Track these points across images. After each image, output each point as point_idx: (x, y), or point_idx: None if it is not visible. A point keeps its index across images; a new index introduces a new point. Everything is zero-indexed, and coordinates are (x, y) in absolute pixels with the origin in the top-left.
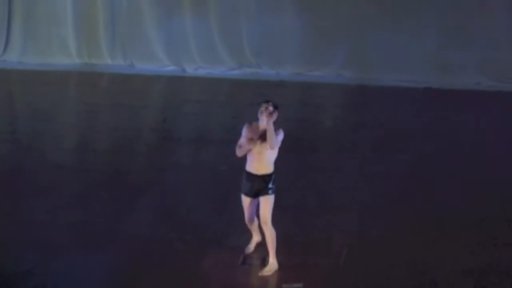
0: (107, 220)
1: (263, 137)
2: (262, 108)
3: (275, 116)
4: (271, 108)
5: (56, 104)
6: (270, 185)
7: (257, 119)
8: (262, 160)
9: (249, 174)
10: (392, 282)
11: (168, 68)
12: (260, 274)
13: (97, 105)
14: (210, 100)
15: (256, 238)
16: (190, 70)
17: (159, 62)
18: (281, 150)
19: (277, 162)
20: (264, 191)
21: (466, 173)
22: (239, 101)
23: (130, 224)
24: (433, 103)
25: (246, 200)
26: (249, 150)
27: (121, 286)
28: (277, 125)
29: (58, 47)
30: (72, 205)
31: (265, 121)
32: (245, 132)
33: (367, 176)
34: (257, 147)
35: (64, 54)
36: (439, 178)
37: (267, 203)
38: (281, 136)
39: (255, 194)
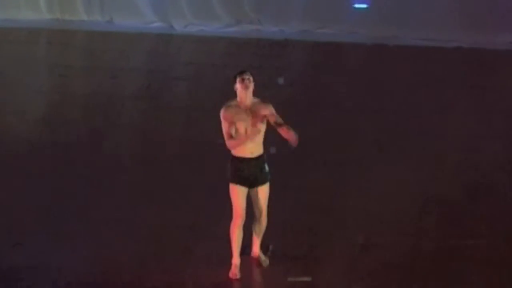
0: (83, 202)
1: (252, 115)
2: (241, 80)
3: (251, 82)
4: (249, 79)
5: (23, 67)
6: (266, 169)
7: (232, 96)
8: (255, 140)
9: (242, 160)
10: (409, 275)
11: (154, 24)
12: (263, 265)
13: (70, 68)
14: (202, 62)
15: (237, 261)
16: (179, 27)
17: (142, 18)
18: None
19: (277, 137)
20: (261, 179)
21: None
22: (236, 63)
23: (110, 207)
24: (464, 65)
25: (239, 191)
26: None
27: (98, 280)
28: (264, 95)
29: (25, 0)
30: (42, 185)
31: (246, 97)
32: (224, 118)
33: (384, 152)
34: (247, 126)
35: (32, 9)
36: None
37: (266, 192)
38: (272, 109)
39: (251, 183)
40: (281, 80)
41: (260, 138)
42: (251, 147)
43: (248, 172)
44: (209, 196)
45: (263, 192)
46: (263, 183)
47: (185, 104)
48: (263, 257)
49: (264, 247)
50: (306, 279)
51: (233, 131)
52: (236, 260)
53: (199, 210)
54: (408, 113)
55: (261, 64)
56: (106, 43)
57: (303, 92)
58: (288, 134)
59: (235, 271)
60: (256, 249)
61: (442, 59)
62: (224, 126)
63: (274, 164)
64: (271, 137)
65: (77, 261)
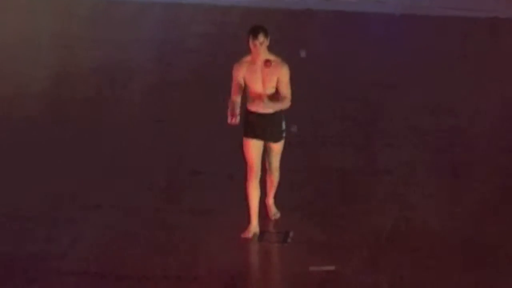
0: (88, 185)
1: (265, 73)
2: (253, 44)
3: (266, 43)
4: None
5: (24, 38)
6: (281, 127)
7: (245, 52)
8: (265, 95)
9: (254, 114)
10: (442, 264)
11: None
12: (272, 218)
13: (74, 39)
14: (216, 33)
15: (253, 224)
16: None
17: None
18: (302, 93)
19: (299, 115)
20: (274, 136)
21: None
22: None
23: (118, 191)
24: (501, 37)
25: (252, 144)
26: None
27: (104, 269)
28: (278, 57)
29: None
30: (45, 165)
31: (258, 58)
32: (234, 75)
33: (414, 129)
34: (259, 86)
35: None
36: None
37: (278, 149)
38: (285, 76)
39: (264, 138)
40: (303, 53)
41: (272, 94)
42: (261, 103)
43: (260, 127)
44: (225, 179)
45: (276, 149)
46: (275, 141)
47: (198, 78)
48: (274, 210)
49: (283, 233)
50: (330, 268)
51: (239, 92)
52: (253, 221)
53: (214, 195)
54: (439, 87)
55: (281, 36)
56: (113, 12)
57: (326, 66)
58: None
59: (249, 229)
60: (268, 200)
61: (476, 30)
62: (232, 84)
63: (295, 144)
64: (293, 114)
65: (82, 249)
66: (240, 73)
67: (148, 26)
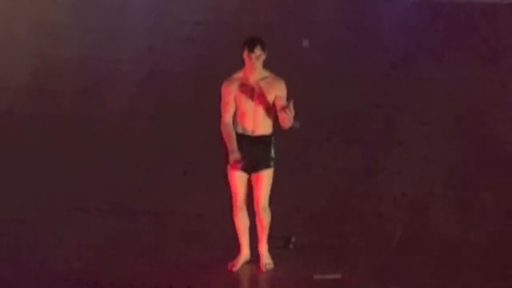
0: (73, 186)
1: (259, 92)
2: (248, 57)
3: (262, 58)
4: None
5: (2, 26)
6: (272, 154)
7: (237, 67)
8: (257, 115)
9: (241, 137)
10: (454, 270)
11: None
12: (264, 269)
13: (58, 27)
14: (212, 20)
15: (245, 252)
16: None
17: None
18: (304, 85)
19: (301, 110)
20: (264, 162)
21: None
22: (253, 22)
23: (103, 191)
24: None
25: (237, 176)
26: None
27: (89, 277)
28: (274, 72)
29: None
30: (25, 165)
31: (252, 74)
32: (223, 94)
33: (425, 125)
34: (251, 105)
35: None
36: None
37: (268, 180)
38: (284, 92)
39: (252, 167)
40: (305, 43)
41: (265, 114)
42: (251, 123)
43: (247, 153)
44: (219, 177)
45: (263, 178)
46: (264, 167)
47: (192, 69)
48: (267, 259)
49: (285, 238)
50: (335, 276)
51: (231, 111)
52: (244, 250)
53: (209, 195)
54: (455, 80)
55: (282, 24)
56: None
57: (331, 57)
58: (285, 117)
59: (235, 262)
60: (261, 246)
61: (495, 17)
62: (222, 104)
63: (297, 141)
64: (295, 109)
65: (66, 255)
66: (231, 92)
67: (138, 13)
